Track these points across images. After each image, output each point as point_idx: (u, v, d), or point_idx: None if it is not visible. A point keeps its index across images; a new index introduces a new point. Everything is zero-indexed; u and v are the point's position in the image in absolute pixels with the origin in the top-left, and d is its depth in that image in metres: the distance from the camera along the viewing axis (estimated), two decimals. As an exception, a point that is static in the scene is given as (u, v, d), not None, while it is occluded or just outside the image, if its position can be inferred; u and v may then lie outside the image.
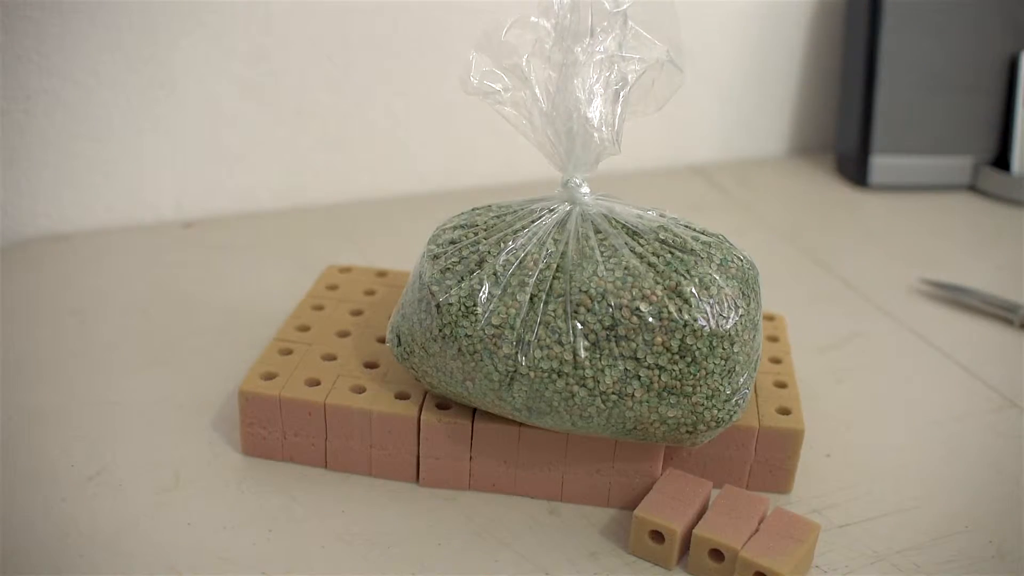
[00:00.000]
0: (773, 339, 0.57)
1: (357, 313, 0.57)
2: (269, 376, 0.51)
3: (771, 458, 0.50)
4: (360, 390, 0.50)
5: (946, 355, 0.65)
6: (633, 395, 0.44)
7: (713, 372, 0.44)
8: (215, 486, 0.49)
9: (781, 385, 0.53)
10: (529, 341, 0.44)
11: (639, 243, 0.46)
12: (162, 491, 0.49)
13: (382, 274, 0.62)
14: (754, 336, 0.46)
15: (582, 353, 0.44)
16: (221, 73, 0.76)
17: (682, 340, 0.44)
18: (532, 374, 0.44)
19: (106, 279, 0.69)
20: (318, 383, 0.50)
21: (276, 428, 0.50)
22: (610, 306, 0.44)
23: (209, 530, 0.46)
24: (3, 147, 0.71)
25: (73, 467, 0.50)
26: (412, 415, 0.49)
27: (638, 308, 0.43)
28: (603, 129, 0.47)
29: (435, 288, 0.46)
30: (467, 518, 0.48)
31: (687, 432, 0.45)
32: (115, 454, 0.51)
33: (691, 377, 0.44)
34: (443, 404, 0.49)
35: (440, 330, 0.46)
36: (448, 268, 0.47)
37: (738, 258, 0.47)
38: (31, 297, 0.66)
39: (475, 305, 0.45)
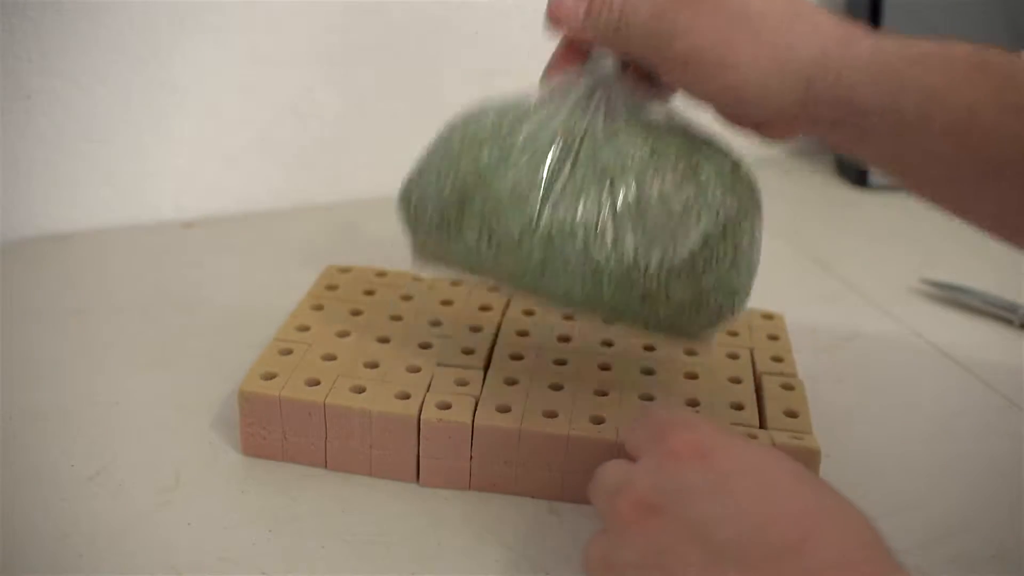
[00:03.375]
0: (773, 337, 0.58)
1: (357, 313, 0.57)
2: (269, 376, 0.51)
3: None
4: (360, 390, 0.50)
5: (946, 355, 0.65)
6: (647, 269, 0.44)
7: (723, 259, 0.45)
8: (215, 486, 0.49)
9: (788, 388, 0.53)
10: (555, 202, 0.45)
11: (669, 129, 0.47)
12: (162, 491, 0.49)
13: (382, 274, 0.62)
14: (755, 247, 0.47)
15: (606, 221, 0.45)
16: (221, 73, 0.76)
17: (698, 213, 0.45)
18: (553, 232, 0.45)
19: (106, 279, 0.69)
20: (318, 383, 0.50)
21: (276, 428, 0.50)
22: (633, 180, 0.45)
23: (209, 530, 0.46)
24: (3, 147, 0.71)
25: (73, 467, 0.50)
26: (412, 415, 0.49)
27: (657, 184, 0.45)
28: None
29: (466, 144, 0.48)
30: (467, 518, 0.48)
31: (689, 316, 0.46)
32: (115, 454, 0.51)
33: (701, 259, 0.45)
34: (443, 404, 0.49)
35: (464, 185, 0.47)
36: (484, 140, 0.48)
37: (748, 170, 0.48)
38: (31, 297, 0.66)
39: (506, 163, 0.46)
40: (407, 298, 0.59)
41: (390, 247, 0.76)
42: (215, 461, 0.51)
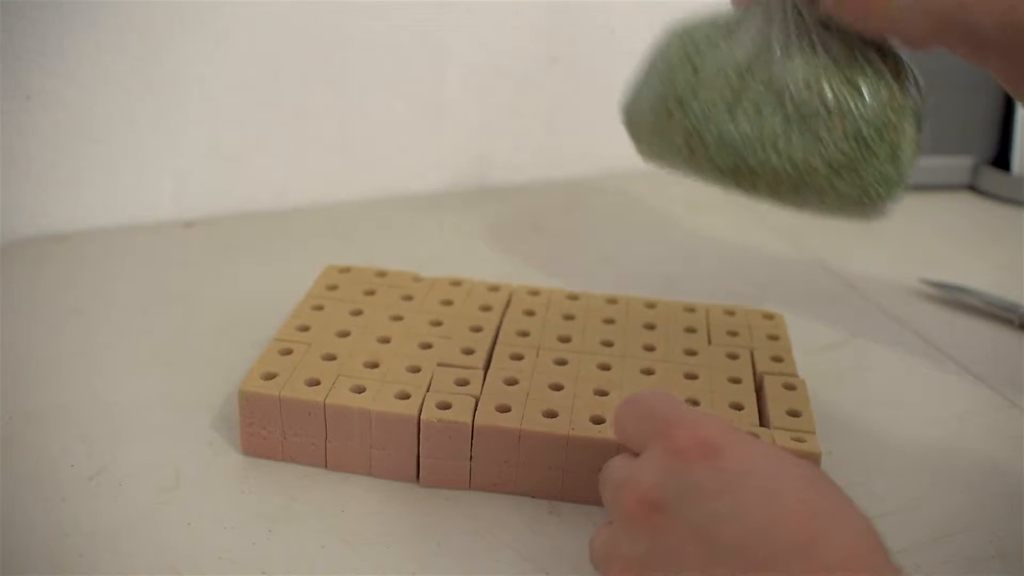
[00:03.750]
0: (774, 337, 0.58)
1: (357, 313, 0.57)
2: (269, 376, 0.51)
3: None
4: (360, 390, 0.50)
5: (946, 355, 0.65)
6: (817, 170, 0.53)
7: (880, 156, 0.52)
8: (215, 486, 0.49)
9: (790, 387, 0.53)
10: (739, 115, 0.54)
11: (835, 46, 0.53)
12: (162, 491, 0.49)
13: (382, 274, 0.62)
14: (916, 131, 0.54)
15: (778, 130, 0.53)
16: (221, 73, 0.76)
17: (855, 124, 0.52)
18: (738, 142, 0.54)
19: (106, 279, 0.69)
20: (318, 383, 0.50)
21: (276, 428, 0.50)
22: (803, 89, 0.53)
23: (209, 530, 0.46)
24: (3, 147, 0.71)
25: (73, 467, 0.50)
26: (412, 415, 0.49)
27: (823, 93, 0.52)
28: None
29: (674, 61, 0.56)
30: (467, 518, 0.48)
31: (857, 205, 0.54)
32: (115, 454, 0.51)
33: (861, 158, 0.52)
34: (443, 404, 0.49)
35: (668, 98, 0.56)
36: (685, 61, 0.56)
37: (913, 73, 0.54)
38: (31, 297, 0.66)
39: (702, 81, 0.55)
40: (407, 298, 0.59)
41: (390, 247, 0.77)
42: (215, 461, 0.51)
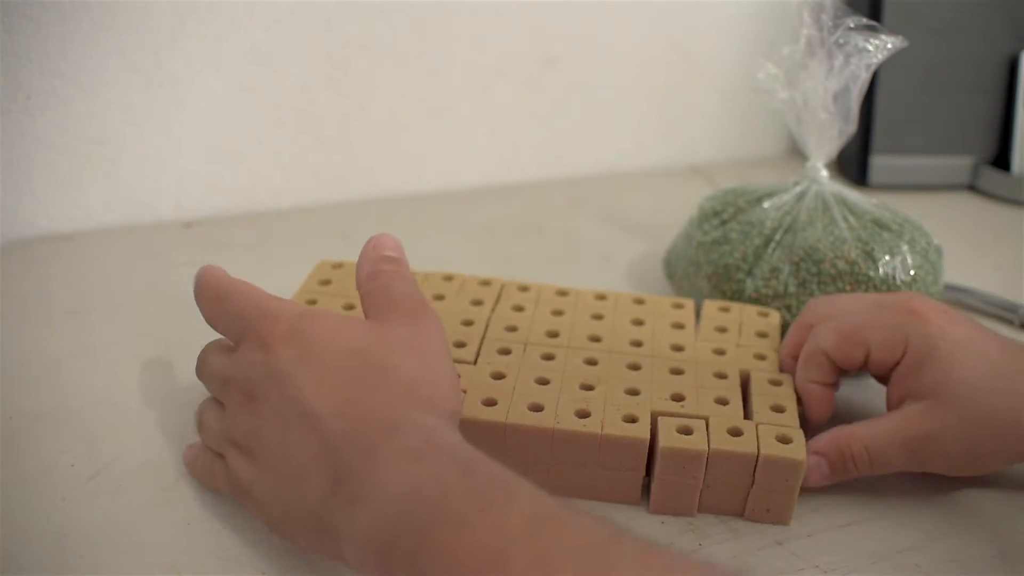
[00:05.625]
0: (762, 335, 0.58)
1: (350, 307, 0.58)
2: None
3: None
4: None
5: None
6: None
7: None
8: (215, 486, 0.49)
9: (775, 383, 0.53)
10: (756, 273, 0.62)
11: (853, 219, 0.62)
12: (162, 491, 0.49)
13: (375, 270, 0.62)
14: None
15: (792, 288, 0.61)
16: (221, 73, 0.76)
17: (866, 288, 0.60)
18: (755, 295, 0.61)
19: (106, 279, 0.69)
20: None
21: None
22: (819, 260, 0.60)
23: (209, 530, 0.46)
24: (3, 147, 0.71)
25: (73, 467, 0.50)
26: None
27: (837, 262, 0.60)
28: (841, 121, 0.61)
29: (701, 231, 0.66)
30: (467, 518, 0.48)
31: None
32: (115, 454, 0.51)
33: None
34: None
35: (697, 254, 0.65)
36: (711, 215, 0.66)
37: (925, 240, 0.62)
38: (31, 297, 0.66)
39: (726, 242, 0.63)
40: (400, 293, 0.59)
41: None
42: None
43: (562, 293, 0.61)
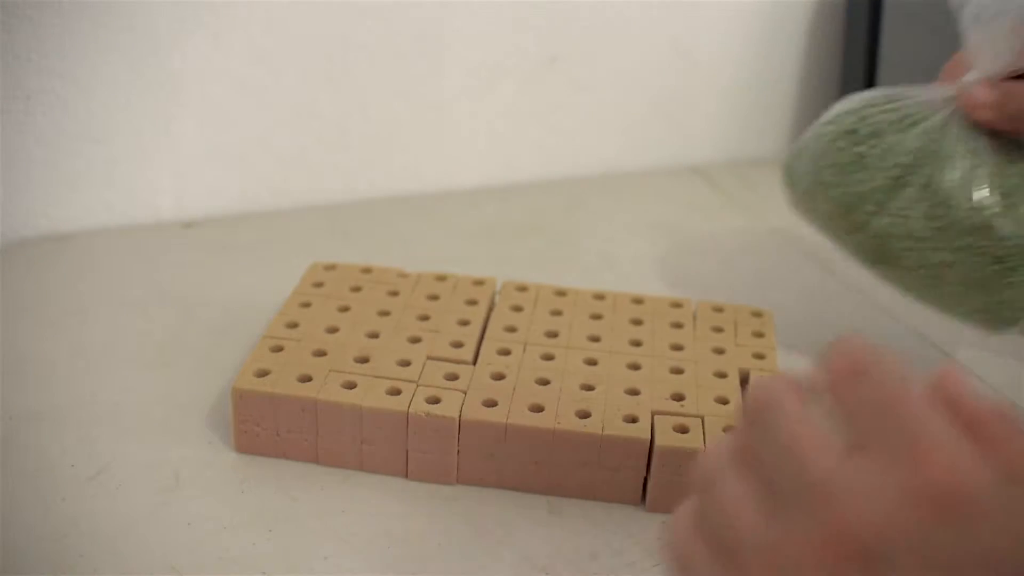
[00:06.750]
0: (759, 335, 0.58)
1: (344, 309, 0.58)
2: (262, 373, 0.51)
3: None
4: (351, 385, 0.50)
5: (946, 355, 0.65)
6: (951, 280, 0.53)
7: (1015, 283, 0.52)
8: (215, 486, 0.49)
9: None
10: (889, 209, 0.54)
11: (1000, 166, 0.53)
12: (162, 491, 0.49)
13: (367, 270, 0.62)
14: None
15: (927, 232, 0.53)
16: (221, 73, 0.76)
17: (1002, 245, 0.52)
18: (884, 234, 0.54)
19: (106, 279, 0.69)
20: (310, 379, 0.51)
21: (269, 424, 0.50)
22: (952, 206, 0.52)
23: (209, 530, 0.46)
24: (3, 147, 0.71)
25: (73, 467, 0.50)
26: (402, 410, 0.49)
27: (974, 215, 0.52)
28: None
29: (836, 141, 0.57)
30: (467, 518, 0.48)
31: (984, 318, 0.55)
32: (115, 454, 0.51)
33: (998, 279, 0.52)
34: (433, 399, 0.50)
35: (824, 173, 0.57)
36: (846, 132, 0.57)
37: None
38: (31, 297, 0.66)
39: (861, 168, 0.55)
40: (394, 294, 0.60)
41: (390, 247, 0.77)
42: (215, 461, 0.51)
43: (561, 293, 0.61)
